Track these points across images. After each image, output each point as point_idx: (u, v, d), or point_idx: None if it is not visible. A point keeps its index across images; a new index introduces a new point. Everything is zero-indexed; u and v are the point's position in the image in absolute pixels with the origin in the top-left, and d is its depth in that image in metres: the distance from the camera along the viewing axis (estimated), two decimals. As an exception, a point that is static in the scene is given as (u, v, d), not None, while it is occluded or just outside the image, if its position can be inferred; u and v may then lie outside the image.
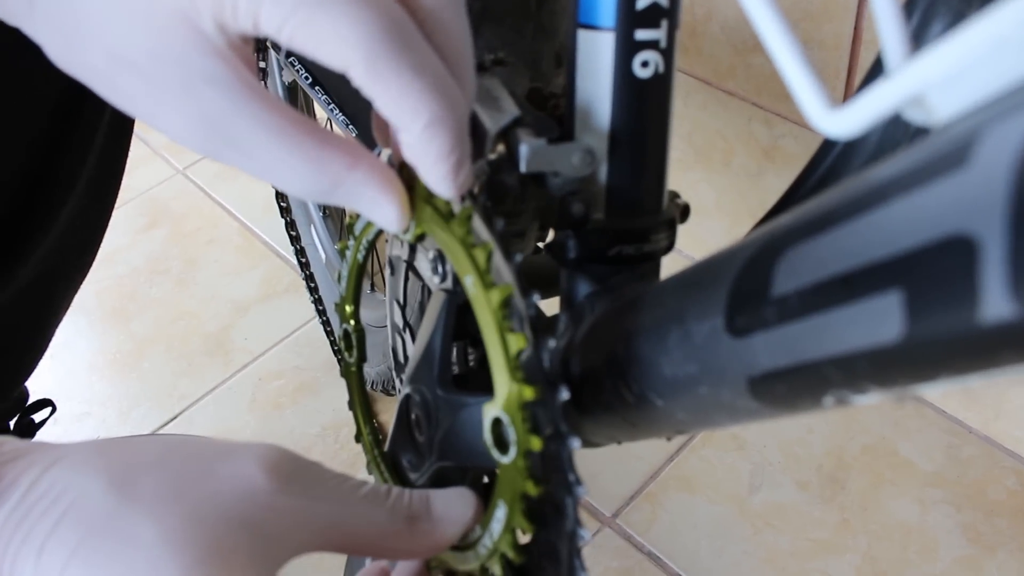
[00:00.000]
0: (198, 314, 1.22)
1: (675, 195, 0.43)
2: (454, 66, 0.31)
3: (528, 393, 0.30)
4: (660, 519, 0.94)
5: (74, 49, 0.30)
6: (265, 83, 0.84)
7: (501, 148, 0.37)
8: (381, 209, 0.32)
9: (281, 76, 0.91)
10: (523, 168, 0.34)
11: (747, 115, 0.98)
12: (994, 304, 0.18)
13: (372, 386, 0.98)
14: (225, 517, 0.27)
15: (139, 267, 1.28)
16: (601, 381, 0.36)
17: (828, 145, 0.39)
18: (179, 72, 0.29)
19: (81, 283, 0.75)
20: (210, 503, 0.27)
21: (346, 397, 0.49)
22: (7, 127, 0.60)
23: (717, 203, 1.08)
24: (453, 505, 0.34)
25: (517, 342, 0.30)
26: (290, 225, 0.88)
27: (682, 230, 0.41)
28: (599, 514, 0.95)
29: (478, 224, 0.33)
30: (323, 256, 1.03)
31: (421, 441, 0.43)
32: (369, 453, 0.46)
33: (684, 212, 0.42)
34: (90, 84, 0.31)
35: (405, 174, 0.34)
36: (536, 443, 0.30)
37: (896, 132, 0.33)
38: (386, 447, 0.46)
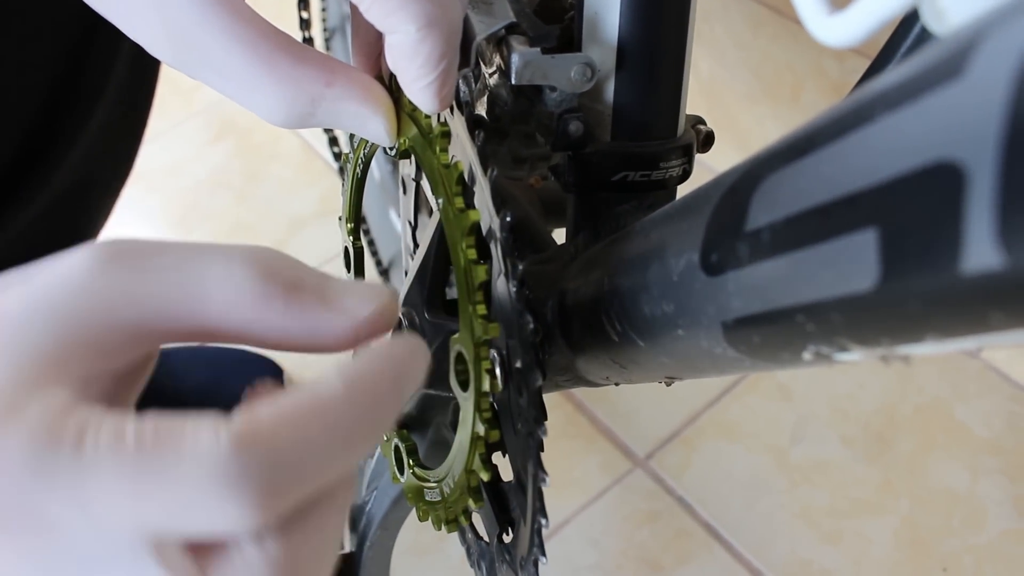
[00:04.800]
0: (255, 227, 1.23)
1: (698, 120, 0.39)
2: None
3: (483, 331, 0.27)
4: (695, 464, 0.91)
5: None
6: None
7: (498, 59, 0.34)
8: (366, 123, 0.30)
9: None
10: (513, 79, 0.31)
11: (818, 48, 0.91)
12: (978, 251, 0.15)
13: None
14: (22, 310, 0.21)
15: (202, 179, 1.29)
16: (589, 317, 0.33)
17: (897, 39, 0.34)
18: None
19: (120, 191, 0.75)
20: (9, 302, 0.21)
21: None
22: (37, 36, 0.60)
23: (784, 141, 1.02)
24: (357, 291, 0.24)
25: (479, 273, 0.27)
26: (332, 141, 0.86)
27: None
28: (632, 454, 0.93)
29: (460, 141, 0.31)
30: (376, 176, 1.01)
31: (410, 368, 0.41)
32: (364, 376, 0.44)
33: (707, 140, 0.39)
34: None
35: (394, 85, 0.32)
36: (493, 386, 0.28)
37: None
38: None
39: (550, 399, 1.04)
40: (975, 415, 0.90)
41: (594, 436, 0.94)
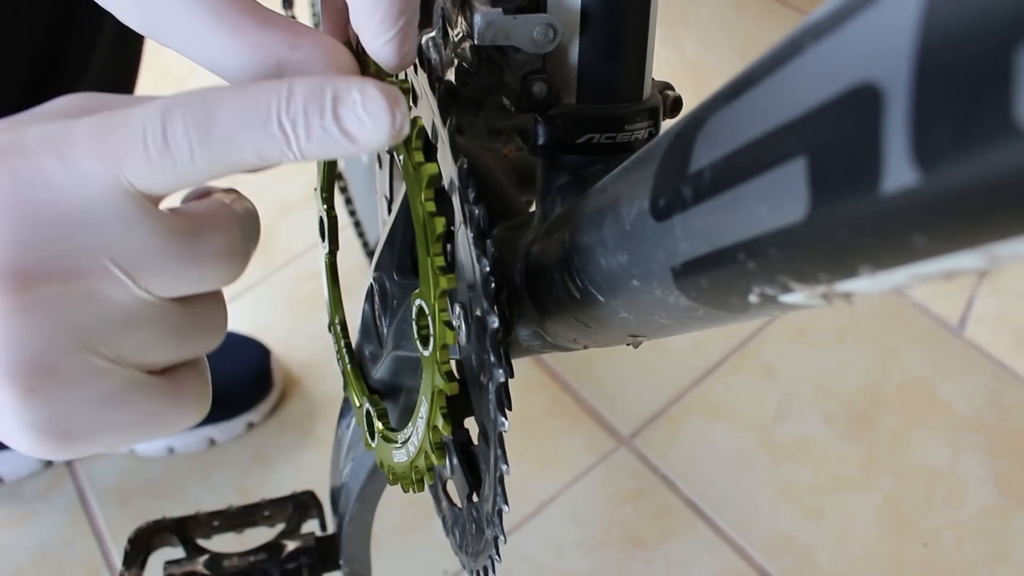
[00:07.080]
0: (244, 212, 1.23)
1: (666, 85, 0.39)
2: None
3: (443, 281, 0.27)
4: (679, 443, 0.92)
5: None
6: None
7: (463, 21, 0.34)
8: None
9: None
10: (476, 40, 0.31)
11: (801, 25, 0.92)
12: (896, 170, 0.15)
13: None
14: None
15: (192, 163, 1.29)
16: (552, 276, 0.33)
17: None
18: None
19: None
20: None
21: None
22: (17, 14, 0.60)
23: (769, 122, 1.02)
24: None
25: (437, 225, 0.28)
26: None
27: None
28: (617, 433, 0.93)
29: (424, 99, 0.31)
30: (364, 158, 1.01)
31: (382, 332, 0.41)
32: (338, 343, 0.45)
33: (674, 105, 0.39)
34: None
35: (360, 50, 0.32)
36: (450, 337, 0.28)
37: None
38: (354, 339, 0.45)
39: (535, 379, 1.04)
40: (957, 393, 0.90)
41: (579, 415, 0.94)
